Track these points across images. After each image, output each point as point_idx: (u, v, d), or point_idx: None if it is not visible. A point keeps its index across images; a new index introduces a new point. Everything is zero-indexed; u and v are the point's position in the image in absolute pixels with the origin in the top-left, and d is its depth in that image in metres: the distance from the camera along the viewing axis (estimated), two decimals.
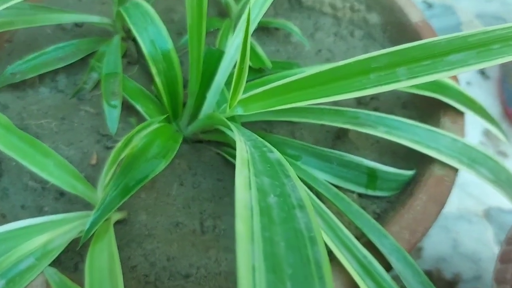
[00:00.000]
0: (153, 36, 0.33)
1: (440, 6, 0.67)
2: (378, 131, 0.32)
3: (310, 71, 0.28)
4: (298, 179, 0.22)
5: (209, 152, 0.36)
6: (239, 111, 0.31)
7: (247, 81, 0.38)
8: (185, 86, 0.41)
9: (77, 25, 0.44)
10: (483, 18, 0.66)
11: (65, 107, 0.38)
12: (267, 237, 0.17)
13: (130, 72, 0.40)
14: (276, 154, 0.24)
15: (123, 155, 0.28)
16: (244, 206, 0.18)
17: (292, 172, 0.22)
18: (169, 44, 0.34)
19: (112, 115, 0.33)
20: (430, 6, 0.66)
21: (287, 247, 0.17)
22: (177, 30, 0.43)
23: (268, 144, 0.26)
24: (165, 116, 0.36)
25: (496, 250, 0.46)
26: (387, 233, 0.29)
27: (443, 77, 0.26)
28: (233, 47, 0.34)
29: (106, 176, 0.28)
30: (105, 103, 0.34)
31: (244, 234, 0.17)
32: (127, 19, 0.33)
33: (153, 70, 0.33)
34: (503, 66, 0.59)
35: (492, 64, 0.25)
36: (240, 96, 0.30)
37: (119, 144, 0.27)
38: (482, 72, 0.59)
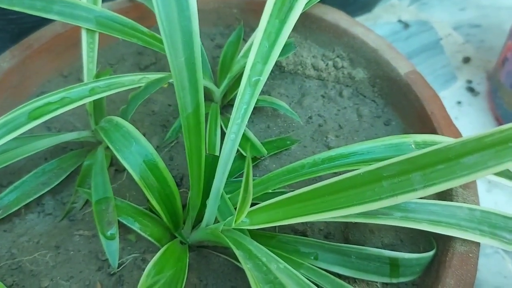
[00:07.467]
0: (139, 158, 0.31)
1: (416, 24, 0.65)
2: (394, 218, 0.31)
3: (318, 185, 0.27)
4: None
5: (217, 258, 0.34)
6: (246, 223, 0.30)
7: None
8: (179, 185, 0.39)
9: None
10: (461, 29, 0.65)
11: (57, 233, 0.36)
12: None
13: (119, 180, 0.38)
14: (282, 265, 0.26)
15: None
16: None
17: None
18: (159, 163, 0.31)
19: (111, 248, 0.31)
20: (406, 25, 0.64)
21: None
22: (160, 122, 0.41)
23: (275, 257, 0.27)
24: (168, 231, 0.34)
25: None
26: None
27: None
28: (225, 150, 0.32)
29: None
30: (102, 236, 0.31)
31: None
32: (109, 145, 0.31)
33: (147, 193, 0.31)
34: (492, 78, 0.58)
35: None
36: (246, 213, 0.28)
37: None
38: (471, 89, 0.58)
